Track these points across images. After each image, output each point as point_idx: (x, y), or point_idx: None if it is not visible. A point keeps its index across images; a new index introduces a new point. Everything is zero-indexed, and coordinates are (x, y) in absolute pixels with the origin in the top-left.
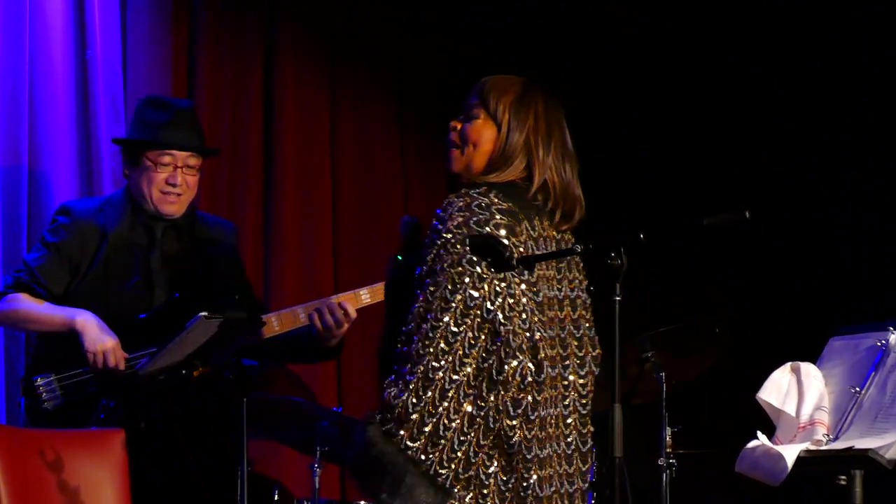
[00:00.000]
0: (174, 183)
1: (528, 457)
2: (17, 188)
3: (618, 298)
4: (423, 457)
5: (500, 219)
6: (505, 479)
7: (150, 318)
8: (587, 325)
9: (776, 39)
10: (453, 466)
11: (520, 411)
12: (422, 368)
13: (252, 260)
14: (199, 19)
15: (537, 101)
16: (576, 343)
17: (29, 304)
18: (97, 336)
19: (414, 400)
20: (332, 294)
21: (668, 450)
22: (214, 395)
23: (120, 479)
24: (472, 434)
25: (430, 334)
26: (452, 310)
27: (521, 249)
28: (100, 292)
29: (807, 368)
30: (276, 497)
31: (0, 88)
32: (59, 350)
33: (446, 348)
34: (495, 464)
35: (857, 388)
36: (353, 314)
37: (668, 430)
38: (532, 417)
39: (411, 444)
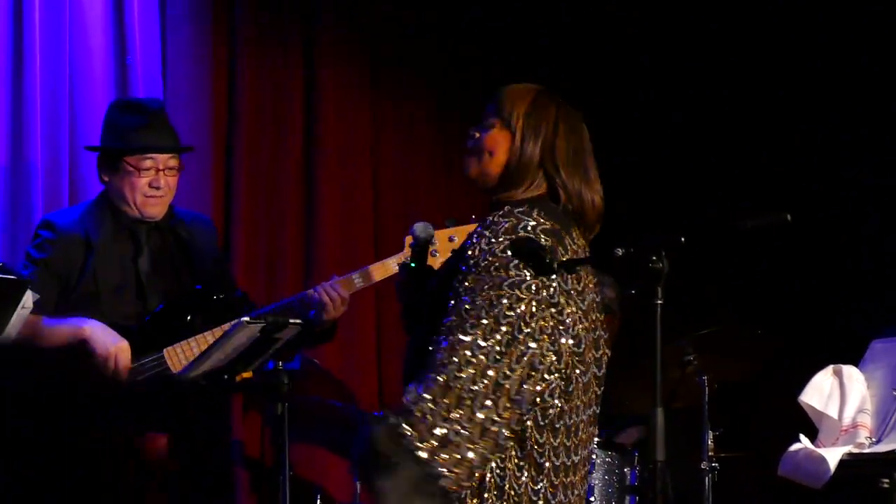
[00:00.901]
0: (157, 186)
1: (556, 464)
2: (57, 192)
3: (659, 302)
4: (427, 457)
5: (545, 240)
6: (536, 488)
7: (146, 325)
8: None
9: (779, 40)
10: (457, 472)
11: (546, 421)
12: (443, 377)
13: (293, 264)
14: (239, 24)
15: (551, 110)
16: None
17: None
18: (108, 339)
19: (431, 405)
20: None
21: (710, 453)
22: (213, 406)
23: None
24: (482, 444)
25: (457, 346)
26: (483, 327)
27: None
28: (92, 303)
29: (849, 371)
30: (318, 501)
31: (41, 93)
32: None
33: (472, 360)
34: (525, 474)
35: None
36: (346, 296)
37: (711, 434)
38: (558, 426)
39: (420, 446)
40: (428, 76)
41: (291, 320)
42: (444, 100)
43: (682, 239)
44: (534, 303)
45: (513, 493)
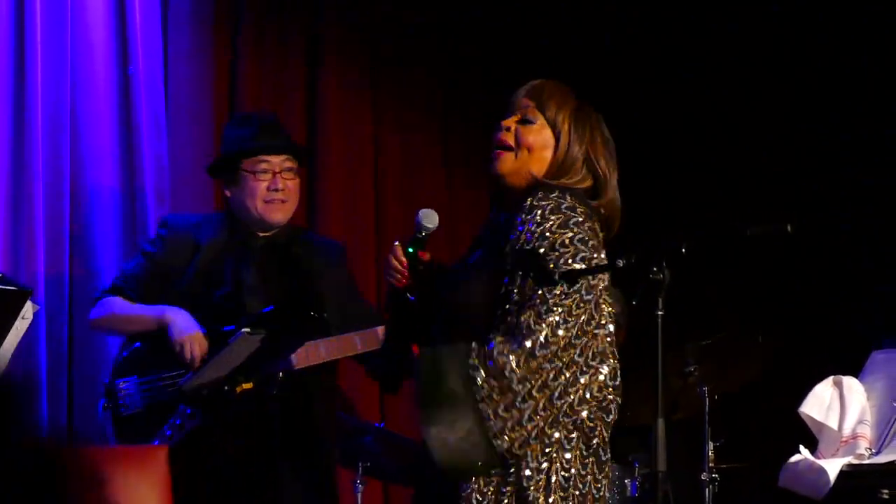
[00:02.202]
0: (276, 188)
1: (604, 459)
2: (59, 204)
3: (660, 312)
4: (491, 413)
5: (589, 218)
6: (598, 486)
7: (230, 332)
8: None
9: (778, 41)
10: (511, 437)
11: (609, 418)
12: (530, 342)
13: None
14: (241, 33)
15: (592, 115)
16: None
17: (121, 305)
18: (184, 326)
19: (514, 365)
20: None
21: (710, 464)
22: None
23: (163, 496)
24: (542, 417)
25: (544, 316)
26: (565, 307)
27: (603, 252)
28: (190, 301)
29: (849, 382)
30: None
31: (42, 105)
32: (144, 355)
33: (555, 335)
34: (590, 474)
35: None
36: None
37: (711, 445)
38: (609, 420)
39: (491, 401)
40: (430, 77)
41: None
42: (447, 101)
43: (683, 249)
44: (602, 284)
45: (577, 493)
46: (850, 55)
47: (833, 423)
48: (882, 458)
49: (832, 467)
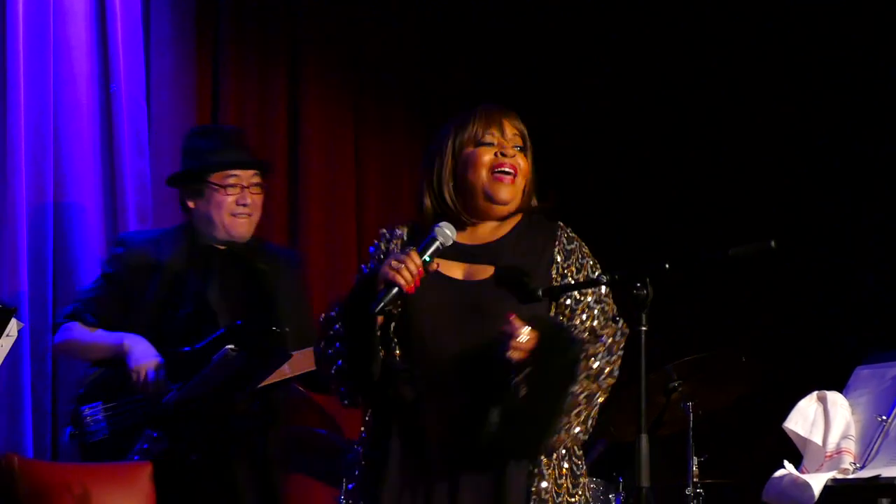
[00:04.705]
0: (244, 203)
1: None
2: (42, 222)
3: (644, 328)
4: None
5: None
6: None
7: (198, 351)
8: None
9: (764, 61)
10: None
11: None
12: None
13: None
14: (223, 52)
15: None
16: None
17: (82, 332)
18: (141, 354)
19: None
20: None
21: (695, 479)
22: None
23: None
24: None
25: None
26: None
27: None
28: (153, 323)
29: (833, 397)
30: None
31: (25, 124)
32: (110, 380)
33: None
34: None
35: (884, 417)
36: None
37: (695, 460)
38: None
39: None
40: (411, 87)
41: (276, 349)
42: (428, 113)
43: (667, 266)
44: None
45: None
46: (834, 74)
47: (817, 438)
48: (866, 473)
49: (817, 482)
